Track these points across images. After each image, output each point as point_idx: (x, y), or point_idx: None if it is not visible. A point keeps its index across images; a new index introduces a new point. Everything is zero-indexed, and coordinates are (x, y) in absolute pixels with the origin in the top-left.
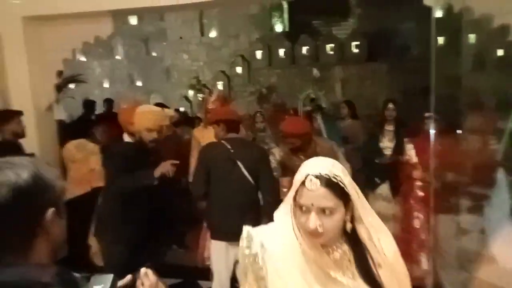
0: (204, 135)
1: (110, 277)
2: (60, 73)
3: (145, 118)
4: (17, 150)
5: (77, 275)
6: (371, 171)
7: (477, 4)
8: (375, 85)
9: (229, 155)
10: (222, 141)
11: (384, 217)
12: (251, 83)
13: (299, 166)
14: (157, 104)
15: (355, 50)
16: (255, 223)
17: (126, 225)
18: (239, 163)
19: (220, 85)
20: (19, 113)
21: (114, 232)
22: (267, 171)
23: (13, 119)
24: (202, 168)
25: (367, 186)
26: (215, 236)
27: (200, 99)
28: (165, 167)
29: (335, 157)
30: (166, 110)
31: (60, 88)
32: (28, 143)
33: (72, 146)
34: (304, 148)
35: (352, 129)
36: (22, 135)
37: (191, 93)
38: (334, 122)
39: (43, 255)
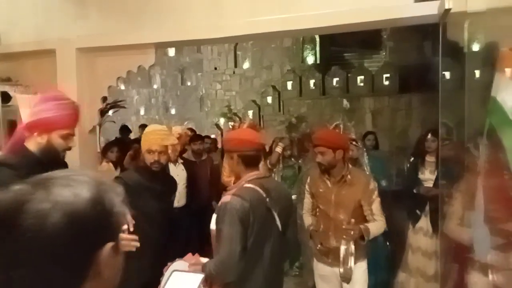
0: None
1: None
2: (104, 99)
3: (146, 140)
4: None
5: None
6: (411, 203)
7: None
8: (408, 117)
9: (266, 205)
10: (250, 186)
11: (425, 254)
12: (281, 113)
13: (323, 193)
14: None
15: (386, 82)
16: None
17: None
18: (274, 213)
19: (250, 114)
20: None
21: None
22: (296, 220)
23: None
24: (239, 232)
25: (409, 220)
26: None
27: (230, 127)
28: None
29: (369, 196)
30: (173, 128)
31: (103, 113)
32: (71, 162)
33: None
34: (333, 168)
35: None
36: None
37: (222, 121)
38: (377, 156)
39: None
